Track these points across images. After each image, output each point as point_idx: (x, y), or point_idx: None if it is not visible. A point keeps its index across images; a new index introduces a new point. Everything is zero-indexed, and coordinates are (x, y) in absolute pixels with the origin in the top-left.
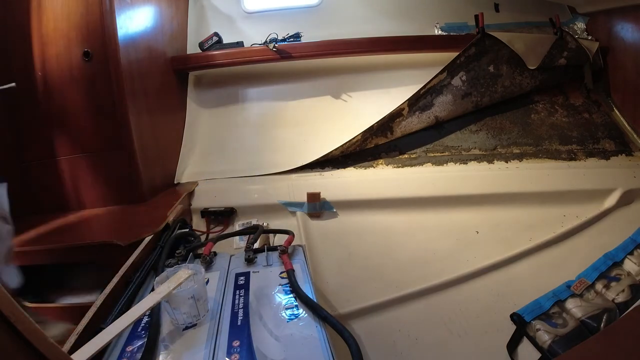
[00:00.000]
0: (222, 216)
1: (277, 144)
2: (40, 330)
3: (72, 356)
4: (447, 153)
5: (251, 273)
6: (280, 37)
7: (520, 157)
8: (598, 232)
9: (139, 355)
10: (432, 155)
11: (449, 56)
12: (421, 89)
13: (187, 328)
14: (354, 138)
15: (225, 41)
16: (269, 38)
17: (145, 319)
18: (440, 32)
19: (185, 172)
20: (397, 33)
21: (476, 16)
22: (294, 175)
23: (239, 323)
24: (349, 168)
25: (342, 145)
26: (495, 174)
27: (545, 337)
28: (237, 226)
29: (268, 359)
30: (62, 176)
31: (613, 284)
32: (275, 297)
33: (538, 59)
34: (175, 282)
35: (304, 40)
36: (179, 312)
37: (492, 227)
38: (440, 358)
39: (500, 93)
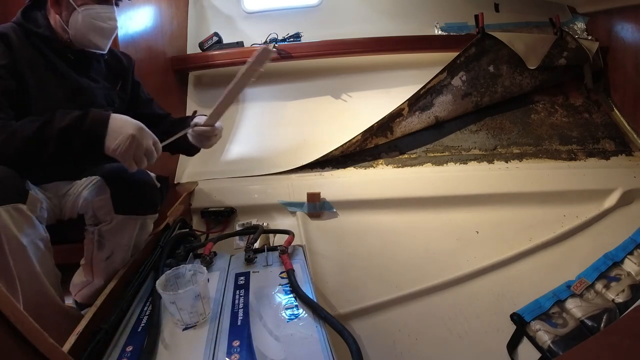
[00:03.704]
0: (222, 216)
1: (277, 144)
2: (40, 330)
3: None
4: (447, 153)
5: (251, 273)
6: (280, 37)
7: (520, 157)
8: (598, 232)
9: (139, 355)
10: (432, 155)
11: (449, 56)
12: (421, 89)
13: (187, 328)
14: (354, 138)
15: (225, 41)
16: (269, 38)
17: (145, 319)
18: (440, 32)
19: (185, 172)
20: (397, 33)
21: (476, 16)
22: (294, 175)
23: (239, 323)
24: (349, 168)
25: (342, 145)
26: (495, 174)
27: (545, 337)
28: (237, 226)
29: (268, 359)
30: None
31: (613, 284)
32: (275, 297)
33: (538, 59)
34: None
35: (304, 40)
36: (185, 312)
37: (492, 227)
38: (440, 358)
39: (500, 93)
